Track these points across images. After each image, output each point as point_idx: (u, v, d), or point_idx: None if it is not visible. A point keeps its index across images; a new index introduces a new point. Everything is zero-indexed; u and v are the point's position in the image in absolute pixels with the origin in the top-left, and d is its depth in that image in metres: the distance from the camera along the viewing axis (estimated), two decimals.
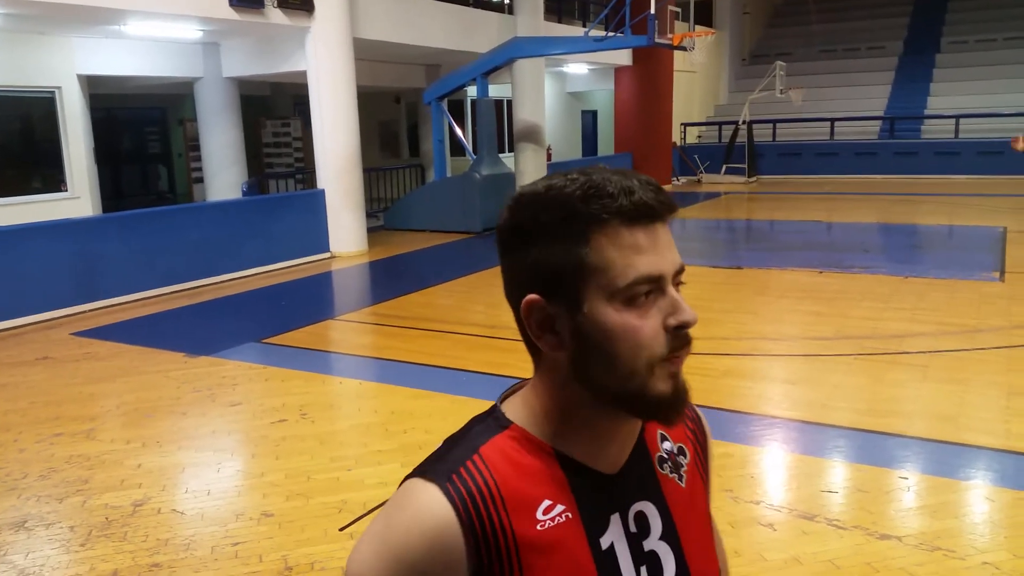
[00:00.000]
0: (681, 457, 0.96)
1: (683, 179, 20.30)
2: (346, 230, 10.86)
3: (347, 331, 7.29)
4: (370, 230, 11.64)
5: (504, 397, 0.92)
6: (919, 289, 7.73)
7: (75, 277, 7.92)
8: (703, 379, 5.38)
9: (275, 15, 9.76)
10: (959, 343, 5.93)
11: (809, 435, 4.45)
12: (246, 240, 9.75)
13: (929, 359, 5.60)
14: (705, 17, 22.10)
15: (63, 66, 10.41)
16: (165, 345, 6.59)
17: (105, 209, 11.53)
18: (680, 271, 0.82)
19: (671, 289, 0.81)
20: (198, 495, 3.91)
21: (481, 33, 13.74)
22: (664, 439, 0.95)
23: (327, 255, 10.79)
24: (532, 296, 0.83)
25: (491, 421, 0.89)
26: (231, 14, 9.24)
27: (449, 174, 13.76)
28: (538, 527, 0.83)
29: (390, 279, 9.76)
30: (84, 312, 7.88)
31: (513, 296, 0.86)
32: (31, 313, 7.47)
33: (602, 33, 13.12)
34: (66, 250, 7.90)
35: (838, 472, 4.02)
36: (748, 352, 6.04)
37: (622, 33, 12.76)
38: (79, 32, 10.24)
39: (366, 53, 12.31)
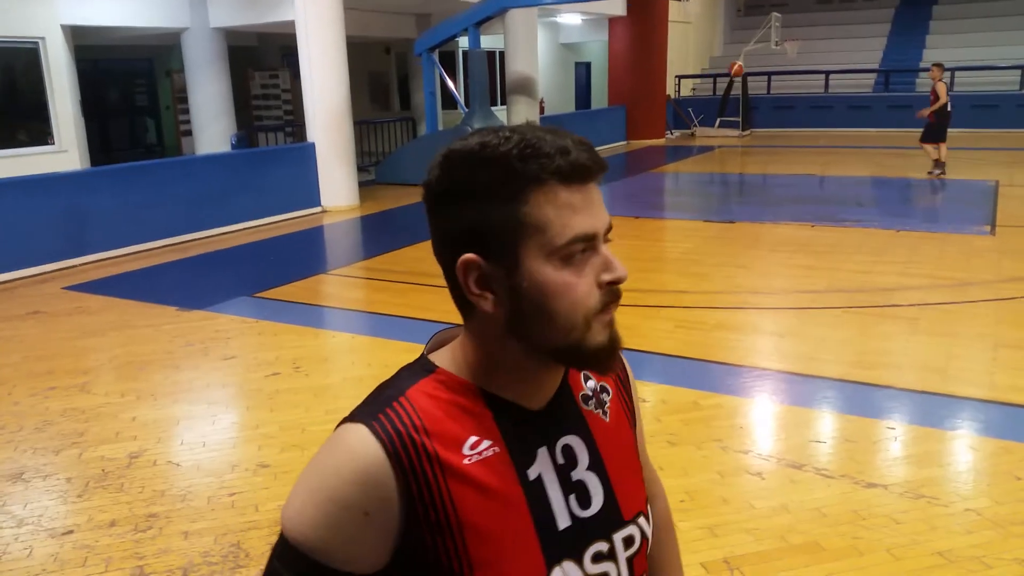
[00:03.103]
0: (604, 394, 1.00)
1: (677, 132, 20.15)
2: (337, 184, 10.77)
3: (339, 285, 7.29)
4: (361, 184, 11.55)
5: (433, 347, 0.94)
6: (911, 243, 7.75)
7: (65, 231, 7.86)
8: (694, 332, 5.43)
9: None
10: (949, 296, 5.97)
11: (798, 386, 4.50)
12: (236, 194, 9.67)
13: (919, 312, 5.64)
14: None
15: (46, 16, 10.18)
16: (157, 299, 6.58)
17: (93, 163, 11.40)
18: (609, 229, 0.85)
19: (603, 247, 0.84)
20: (193, 447, 3.95)
21: None
22: (587, 378, 0.99)
23: (318, 209, 10.73)
24: (469, 255, 0.83)
25: (417, 367, 0.91)
26: None
27: (441, 127, 13.61)
28: (465, 461, 0.85)
29: (382, 234, 9.73)
30: (75, 266, 7.85)
31: (445, 255, 0.86)
32: (22, 267, 7.44)
33: None
34: (55, 204, 7.83)
35: (826, 422, 4.07)
36: (739, 305, 6.08)
37: None
38: None
39: (355, 2, 12.08)
